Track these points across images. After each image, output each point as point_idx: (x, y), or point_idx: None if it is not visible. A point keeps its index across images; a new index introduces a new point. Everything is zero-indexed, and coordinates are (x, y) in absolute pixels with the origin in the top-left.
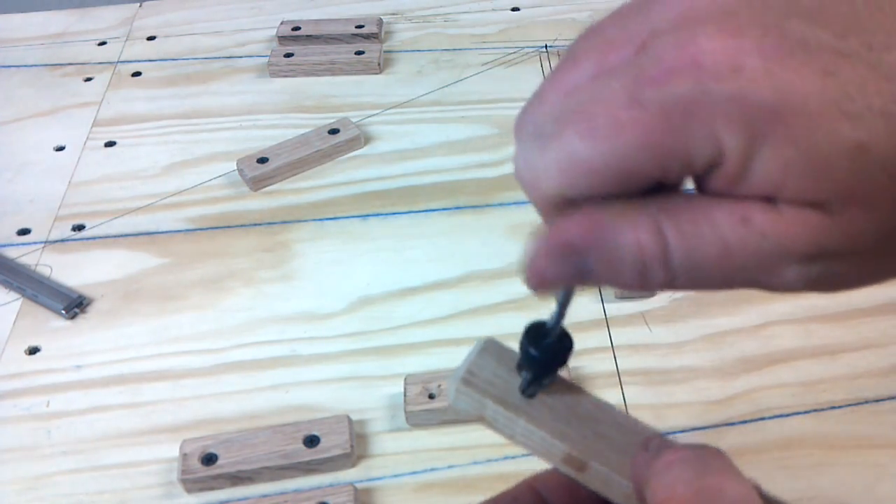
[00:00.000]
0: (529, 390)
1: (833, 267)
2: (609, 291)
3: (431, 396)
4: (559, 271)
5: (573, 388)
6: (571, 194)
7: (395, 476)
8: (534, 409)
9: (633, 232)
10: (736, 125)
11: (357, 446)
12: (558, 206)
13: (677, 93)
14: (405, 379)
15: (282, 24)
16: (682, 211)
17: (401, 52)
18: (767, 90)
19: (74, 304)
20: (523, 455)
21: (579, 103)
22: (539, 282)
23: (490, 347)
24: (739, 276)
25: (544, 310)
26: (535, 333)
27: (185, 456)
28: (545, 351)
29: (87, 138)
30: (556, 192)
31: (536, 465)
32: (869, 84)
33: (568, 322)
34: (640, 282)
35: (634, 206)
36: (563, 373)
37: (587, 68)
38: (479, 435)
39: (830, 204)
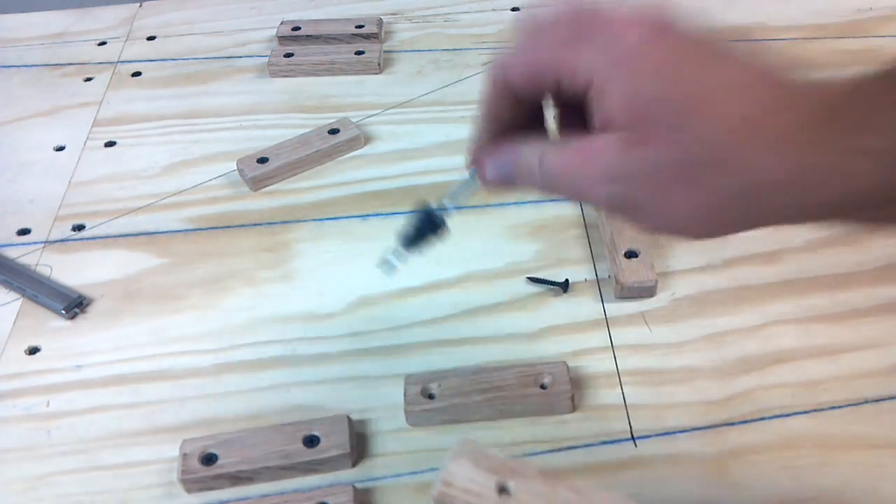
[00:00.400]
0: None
1: (628, 189)
2: (609, 292)
3: (431, 396)
4: (499, 180)
5: (549, 480)
6: (512, 83)
7: (395, 476)
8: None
9: (534, 157)
10: (603, 63)
11: (357, 446)
12: (506, 93)
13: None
14: (405, 379)
15: (282, 24)
16: (550, 146)
17: (401, 52)
18: (634, 38)
19: (74, 304)
20: (522, 455)
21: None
22: (488, 181)
23: (466, 450)
24: (573, 189)
25: (543, 310)
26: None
27: (185, 456)
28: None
29: (87, 138)
30: (512, 80)
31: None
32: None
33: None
34: (529, 184)
35: (537, 141)
36: (569, 368)
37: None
38: (478, 435)
39: (632, 133)
